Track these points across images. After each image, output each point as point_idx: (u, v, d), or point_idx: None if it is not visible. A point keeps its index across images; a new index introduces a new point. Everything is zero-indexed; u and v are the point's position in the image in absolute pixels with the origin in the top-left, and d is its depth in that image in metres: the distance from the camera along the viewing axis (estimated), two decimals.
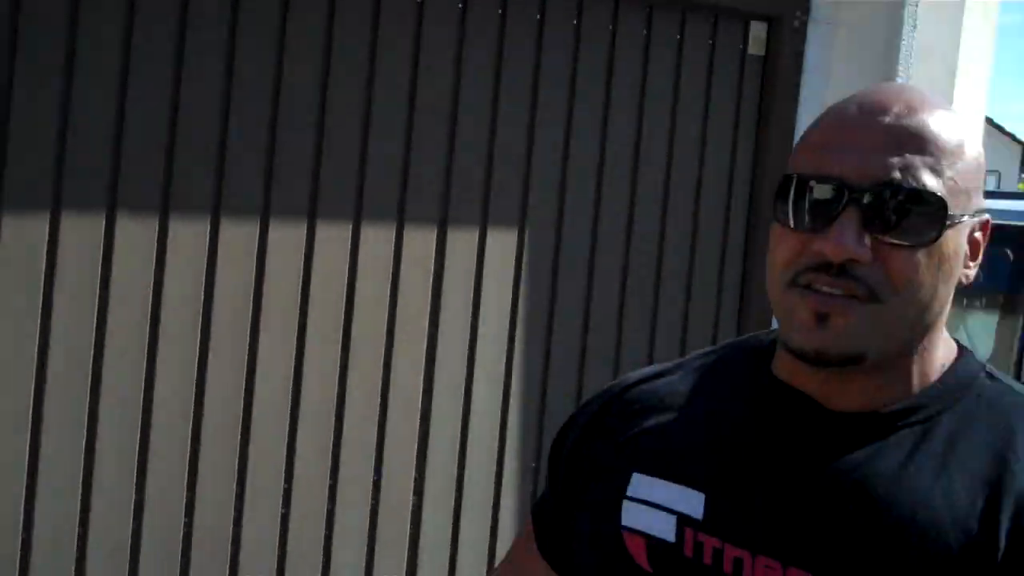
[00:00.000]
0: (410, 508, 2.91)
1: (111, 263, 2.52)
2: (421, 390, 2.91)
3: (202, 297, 2.61)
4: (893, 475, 1.05)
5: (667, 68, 3.22)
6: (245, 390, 2.67)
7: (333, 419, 2.78)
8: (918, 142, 1.04)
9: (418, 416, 2.91)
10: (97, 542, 2.53)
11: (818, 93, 3.29)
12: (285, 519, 2.73)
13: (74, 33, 2.45)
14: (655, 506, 1.14)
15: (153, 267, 2.57)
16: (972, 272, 1.10)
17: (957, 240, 1.06)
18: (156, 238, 2.56)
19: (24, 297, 2.44)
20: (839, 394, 1.09)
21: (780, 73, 3.32)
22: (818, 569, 1.04)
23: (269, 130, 2.67)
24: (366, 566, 2.86)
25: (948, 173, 1.04)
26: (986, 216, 1.11)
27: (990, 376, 1.12)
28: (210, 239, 2.62)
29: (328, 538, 2.79)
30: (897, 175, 1.03)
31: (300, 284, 2.73)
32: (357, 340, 2.80)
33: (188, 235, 2.59)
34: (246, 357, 2.66)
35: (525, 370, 3.07)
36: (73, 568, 2.51)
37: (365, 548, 2.85)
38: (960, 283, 1.10)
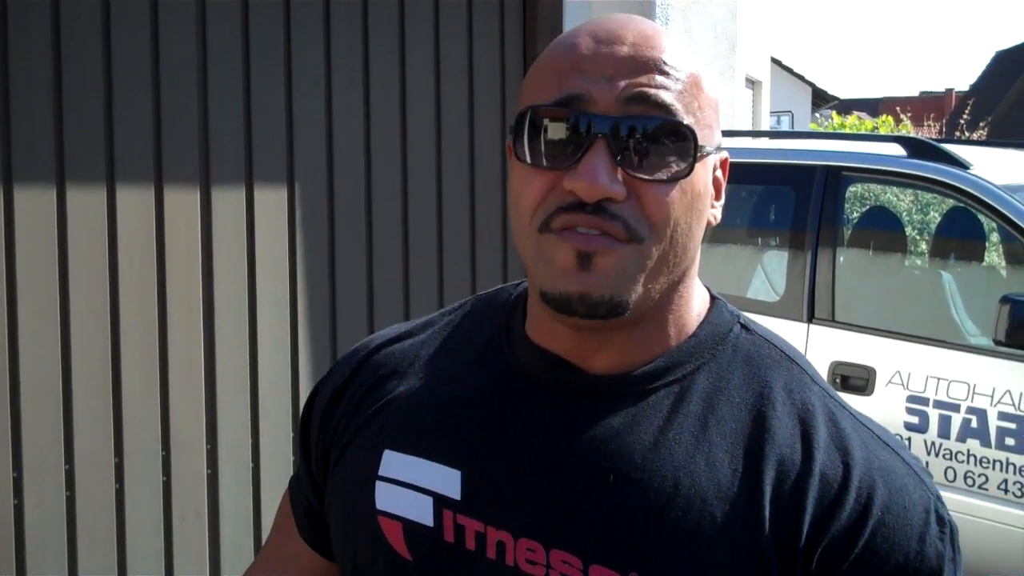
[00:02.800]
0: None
1: None
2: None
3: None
4: (652, 443, 0.99)
5: (426, 25, 3.22)
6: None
7: (111, 385, 2.70)
8: (660, 73, 0.97)
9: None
10: None
11: None
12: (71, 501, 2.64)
13: None
14: (410, 486, 1.05)
15: None
16: (718, 212, 1.04)
17: (705, 176, 1.00)
18: None
19: None
20: (595, 354, 1.02)
21: (540, 18, 3.36)
22: (581, 549, 0.96)
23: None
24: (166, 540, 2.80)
25: (693, 104, 0.98)
26: (725, 153, 1.05)
27: (744, 327, 1.07)
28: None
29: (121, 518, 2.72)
30: (643, 106, 0.95)
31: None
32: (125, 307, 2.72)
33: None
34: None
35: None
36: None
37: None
38: (709, 224, 1.02)
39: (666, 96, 0.96)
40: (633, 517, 0.96)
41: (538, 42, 3.40)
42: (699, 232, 1.00)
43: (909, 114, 20.22)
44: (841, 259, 4.55)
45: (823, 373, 4.35)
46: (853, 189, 4.82)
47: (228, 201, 2.90)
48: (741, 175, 5.34)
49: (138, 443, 2.72)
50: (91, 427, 2.65)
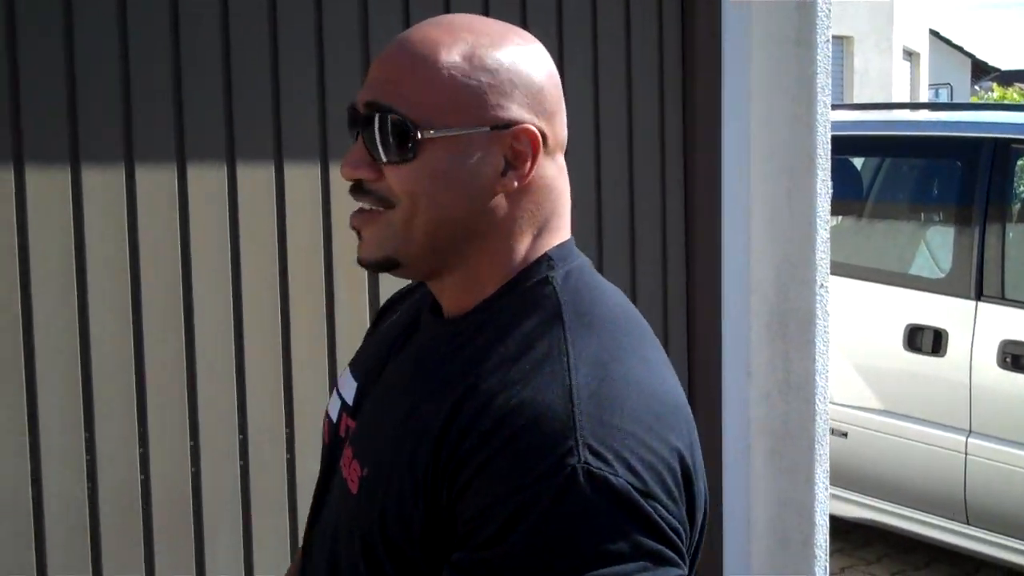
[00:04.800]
0: None
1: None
2: None
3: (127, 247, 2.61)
4: (414, 376, 1.17)
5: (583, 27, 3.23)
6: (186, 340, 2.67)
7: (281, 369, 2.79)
8: (403, 69, 1.11)
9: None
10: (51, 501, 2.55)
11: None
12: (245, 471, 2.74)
13: None
14: (338, 393, 1.33)
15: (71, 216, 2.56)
16: (516, 181, 1.12)
17: (456, 153, 1.10)
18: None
19: None
20: (442, 301, 1.21)
21: (699, 19, 3.39)
22: (362, 462, 1.16)
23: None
24: None
25: (427, 93, 1.09)
26: (521, 126, 1.11)
27: (547, 281, 1.14)
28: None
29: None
30: (371, 106, 1.11)
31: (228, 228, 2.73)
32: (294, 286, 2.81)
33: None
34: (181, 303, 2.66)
35: None
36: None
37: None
38: (509, 190, 1.13)
39: (387, 97, 1.10)
40: (382, 443, 1.13)
41: (696, 45, 3.40)
42: (473, 201, 1.11)
43: None
44: (1011, 235, 4.40)
45: (991, 352, 4.22)
46: (1023, 162, 4.64)
47: None
48: (901, 148, 5.19)
49: (308, 414, 2.81)
50: (263, 401, 2.76)
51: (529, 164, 1.13)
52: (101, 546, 2.60)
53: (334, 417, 1.32)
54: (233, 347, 2.71)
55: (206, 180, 2.66)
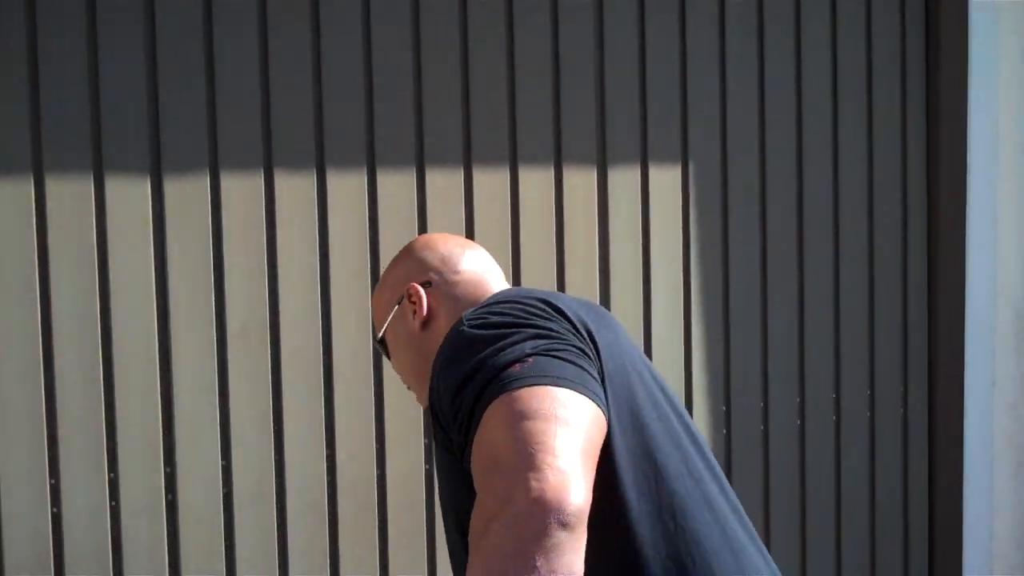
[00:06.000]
0: None
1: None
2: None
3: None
4: None
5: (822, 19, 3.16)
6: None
7: None
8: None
9: None
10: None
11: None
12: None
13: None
14: None
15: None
16: (417, 320, 1.61)
17: (392, 333, 1.66)
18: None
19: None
20: None
21: (944, 18, 3.27)
22: None
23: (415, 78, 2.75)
24: None
25: (375, 316, 1.71)
26: (408, 288, 1.63)
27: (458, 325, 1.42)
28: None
29: None
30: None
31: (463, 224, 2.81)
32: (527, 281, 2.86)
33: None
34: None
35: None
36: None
37: None
38: (418, 324, 1.61)
39: (374, 323, 1.77)
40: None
41: (941, 46, 3.29)
42: (408, 352, 1.63)
43: None
44: None
45: None
46: None
47: (623, 182, 2.99)
48: None
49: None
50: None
51: (419, 300, 1.61)
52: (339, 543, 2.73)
53: None
54: None
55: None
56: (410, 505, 2.79)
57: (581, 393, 1.24)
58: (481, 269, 1.64)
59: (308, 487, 2.70)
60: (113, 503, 2.56)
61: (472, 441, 1.25)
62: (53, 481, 2.51)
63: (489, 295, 1.54)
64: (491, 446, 1.18)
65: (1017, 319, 3.41)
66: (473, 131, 2.80)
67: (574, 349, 1.31)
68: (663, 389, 1.47)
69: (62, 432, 2.51)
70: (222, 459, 2.63)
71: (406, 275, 1.65)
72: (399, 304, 1.63)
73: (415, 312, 1.61)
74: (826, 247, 3.25)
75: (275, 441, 2.67)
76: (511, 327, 1.33)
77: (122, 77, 2.53)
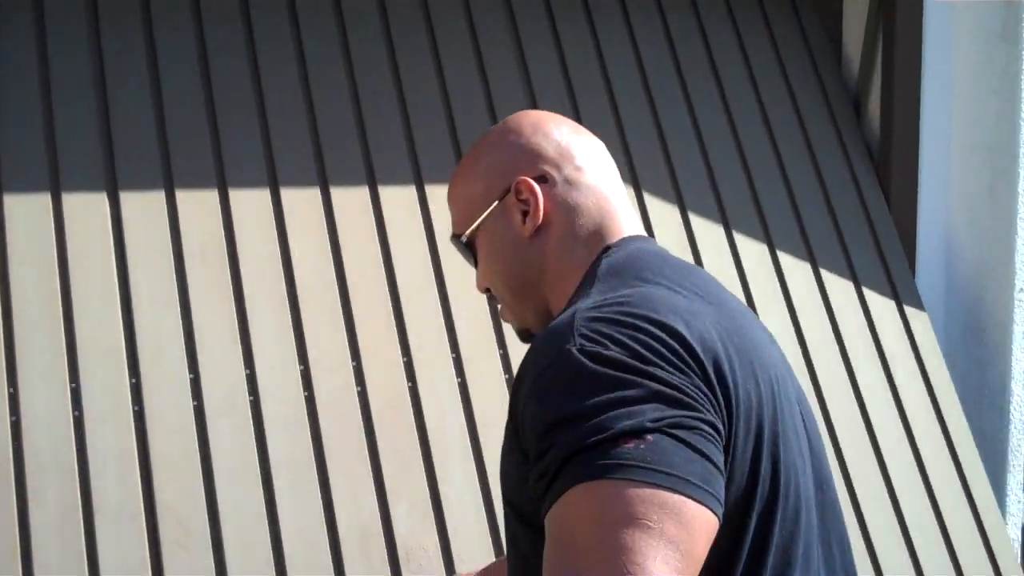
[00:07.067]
0: None
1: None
2: None
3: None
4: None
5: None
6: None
7: None
8: (450, 201, 1.41)
9: None
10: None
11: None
12: None
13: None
14: None
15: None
16: (529, 224, 1.31)
17: (486, 233, 1.34)
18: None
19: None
20: None
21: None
22: None
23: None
24: None
25: (456, 211, 1.38)
26: (516, 180, 1.32)
27: (597, 264, 1.28)
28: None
29: None
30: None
31: None
32: None
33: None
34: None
35: None
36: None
37: None
38: (526, 231, 1.31)
39: (453, 217, 1.39)
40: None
41: (896, 45, 3.36)
42: (518, 255, 1.33)
43: None
44: None
45: None
46: None
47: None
48: None
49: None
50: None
51: (534, 201, 1.31)
52: None
53: None
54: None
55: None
56: (397, 418, 2.63)
57: (700, 501, 1.03)
58: (601, 170, 1.35)
59: (285, 398, 2.55)
60: (76, 413, 2.40)
61: (552, 503, 1.05)
62: (11, 390, 2.38)
63: (612, 221, 1.33)
64: (576, 538, 1.01)
65: (968, 317, 3.42)
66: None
67: (704, 429, 1.07)
68: (807, 427, 1.26)
69: (19, 342, 2.42)
70: (189, 372, 2.51)
71: (512, 164, 1.34)
72: (500, 200, 1.33)
73: (526, 214, 1.32)
74: (761, 252, 3.30)
75: (244, 355, 2.56)
76: (631, 372, 1.07)
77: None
